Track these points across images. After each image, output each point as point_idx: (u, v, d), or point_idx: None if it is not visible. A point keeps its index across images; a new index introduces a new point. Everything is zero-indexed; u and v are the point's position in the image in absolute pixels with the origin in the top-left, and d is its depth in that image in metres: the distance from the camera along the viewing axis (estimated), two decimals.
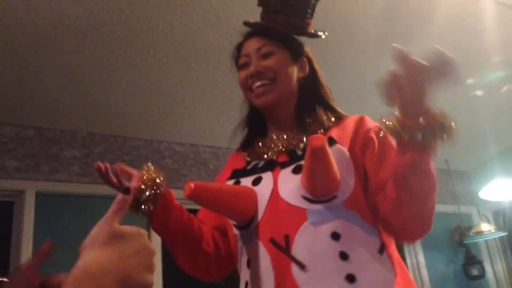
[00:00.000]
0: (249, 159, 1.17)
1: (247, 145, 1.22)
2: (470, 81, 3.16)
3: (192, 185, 0.95)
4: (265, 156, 1.11)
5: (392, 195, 0.94)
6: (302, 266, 0.92)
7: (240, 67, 1.19)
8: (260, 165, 1.10)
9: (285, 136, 1.12)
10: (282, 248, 0.94)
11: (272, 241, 0.96)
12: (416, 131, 0.84)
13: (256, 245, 0.99)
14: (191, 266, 1.15)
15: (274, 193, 1.02)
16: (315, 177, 0.95)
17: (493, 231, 3.73)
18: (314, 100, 1.17)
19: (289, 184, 1.01)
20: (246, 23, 1.24)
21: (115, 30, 2.39)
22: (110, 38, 2.44)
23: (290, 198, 0.99)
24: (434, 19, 2.63)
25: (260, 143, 1.15)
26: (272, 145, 1.12)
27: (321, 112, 1.14)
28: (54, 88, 2.74)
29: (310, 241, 0.94)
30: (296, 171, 1.02)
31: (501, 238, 4.15)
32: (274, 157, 1.10)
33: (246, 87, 1.17)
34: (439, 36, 2.74)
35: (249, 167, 1.12)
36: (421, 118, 0.85)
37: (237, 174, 1.13)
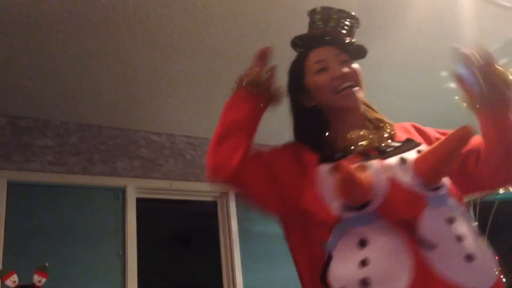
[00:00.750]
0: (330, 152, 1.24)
1: (319, 145, 1.26)
2: (444, 73, 3.21)
3: (346, 166, 1.03)
4: (354, 148, 1.20)
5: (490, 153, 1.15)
6: (432, 246, 1.02)
7: (317, 72, 1.26)
8: (351, 155, 1.18)
9: (366, 133, 1.22)
10: (411, 228, 1.04)
11: (401, 222, 1.05)
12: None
13: (380, 226, 1.06)
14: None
15: (391, 179, 1.10)
16: (447, 166, 1.08)
17: None
18: (369, 106, 1.33)
19: (402, 172, 1.11)
20: (302, 38, 1.33)
21: (90, 17, 2.34)
22: (85, 25, 2.39)
23: (409, 184, 1.09)
24: (411, 11, 2.65)
25: (339, 139, 1.23)
26: (354, 140, 1.21)
27: (381, 116, 1.30)
28: (27, 76, 2.68)
29: (433, 225, 1.05)
30: (402, 162, 1.13)
31: None
32: (364, 150, 1.19)
33: (331, 89, 1.24)
34: (416, 28, 2.77)
35: (340, 155, 1.18)
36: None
37: (329, 160, 1.17)
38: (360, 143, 1.19)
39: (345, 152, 1.19)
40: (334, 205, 1.11)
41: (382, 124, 1.26)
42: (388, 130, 1.24)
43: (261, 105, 1.26)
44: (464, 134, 1.04)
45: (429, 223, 1.04)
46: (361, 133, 1.21)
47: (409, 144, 1.19)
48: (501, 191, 3.35)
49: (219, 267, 3.50)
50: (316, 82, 1.26)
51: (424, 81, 3.22)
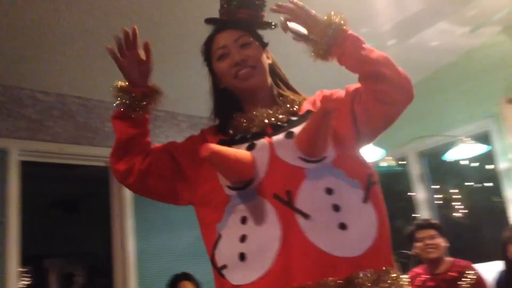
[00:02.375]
0: (232, 133, 1.29)
1: (224, 126, 1.32)
2: None
3: (211, 147, 1.07)
4: (252, 129, 1.25)
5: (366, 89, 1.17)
6: (306, 216, 1.08)
7: (218, 58, 1.31)
8: (249, 135, 1.24)
9: (270, 111, 1.27)
10: (286, 201, 1.10)
11: (276, 196, 1.11)
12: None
13: (259, 201, 1.13)
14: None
15: (272, 155, 1.16)
16: (319, 139, 1.12)
17: None
18: (282, 83, 1.37)
19: (285, 147, 1.17)
20: (209, 20, 1.34)
21: None
22: None
23: (289, 159, 1.15)
24: None
25: (243, 119, 1.29)
26: (257, 119, 1.26)
27: (289, 92, 1.34)
28: None
29: (310, 196, 1.11)
30: (288, 136, 1.19)
31: None
32: (260, 129, 1.25)
33: (231, 75, 1.28)
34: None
35: (237, 138, 1.25)
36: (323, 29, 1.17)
37: (227, 143, 1.23)
38: (252, 125, 1.26)
39: (246, 133, 1.25)
40: (224, 186, 1.18)
41: (285, 100, 1.31)
42: (288, 106, 1.29)
43: (143, 117, 1.32)
44: (326, 110, 1.07)
45: (305, 195, 1.11)
46: (254, 113, 1.27)
47: (305, 116, 1.22)
48: (383, 164, 3.63)
49: (109, 234, 3.41)
50: (218, 69, 1.32)
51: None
